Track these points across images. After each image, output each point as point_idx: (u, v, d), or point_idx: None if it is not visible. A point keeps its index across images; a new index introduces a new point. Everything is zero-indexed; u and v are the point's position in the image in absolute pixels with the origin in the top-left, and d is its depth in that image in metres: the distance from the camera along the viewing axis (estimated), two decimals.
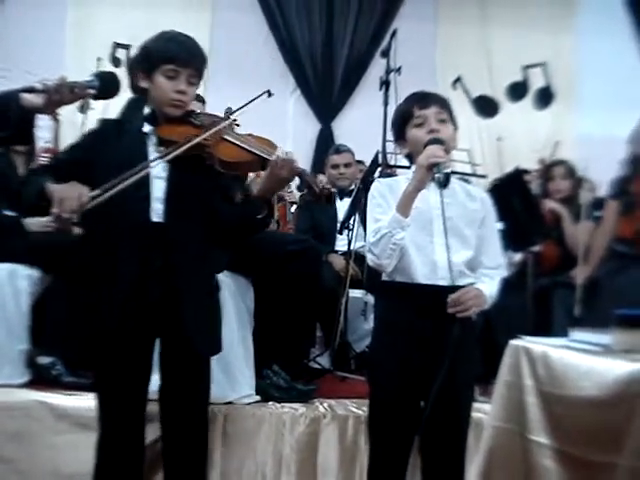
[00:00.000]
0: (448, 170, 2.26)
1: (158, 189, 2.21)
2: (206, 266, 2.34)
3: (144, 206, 2.19)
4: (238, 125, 2.39)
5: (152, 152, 2.25)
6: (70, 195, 1.99)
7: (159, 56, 2.24)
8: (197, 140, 2.20)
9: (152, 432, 2.40)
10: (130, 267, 2.17)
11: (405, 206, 2.13)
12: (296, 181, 2.35)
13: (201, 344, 2.25)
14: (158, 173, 2.22)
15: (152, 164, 2.16)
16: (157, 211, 2.20)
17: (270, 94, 2.40)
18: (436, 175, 2.08)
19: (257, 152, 2.26)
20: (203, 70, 2.32)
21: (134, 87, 2.33)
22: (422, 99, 2.28)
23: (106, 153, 2.22)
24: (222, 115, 2.40)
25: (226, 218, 2.31)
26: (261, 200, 2.28)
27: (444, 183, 2.10)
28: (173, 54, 2.24)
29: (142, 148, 2.25)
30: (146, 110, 2.32)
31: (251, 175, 3.62)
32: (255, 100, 2.42)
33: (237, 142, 2.29)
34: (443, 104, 2.28)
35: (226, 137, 2.30)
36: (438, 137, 2.17)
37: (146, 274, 2.18)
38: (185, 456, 2.29)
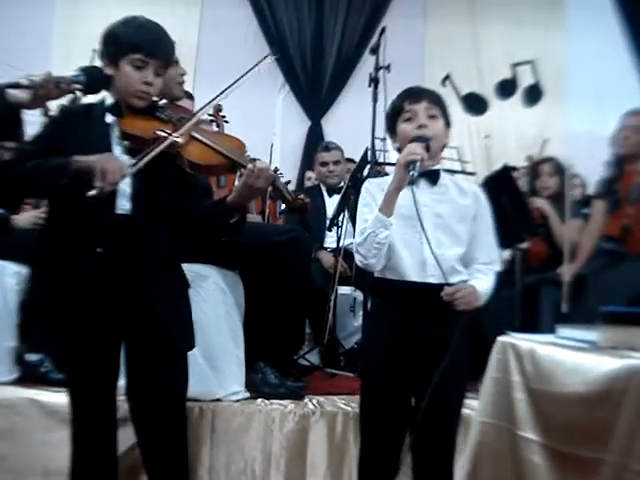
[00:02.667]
0: (438, 167, 2.28)
1: (125, 183, 2.12)
2: (173, 261, 2.29)
3: (110, 200, 2.11)
4: (227, 122, 2.34)
5: (115, 145, 2.18)
6: (113, 167, 2.01)
7: (127, 44, 2.17)
8: (167, 143, 2.12)
9: (128, 438, 2.36)
10: (93, 261, 2.10)
11: (387, 205, 2.13)
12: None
13: (172, 337, 2.18)
14: None
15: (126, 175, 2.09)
16: (122, 205, 2.14)
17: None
18: (410, 172, 2.08)
19: (229, 156, 2.19)
20: (171, 60, 2.27)
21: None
22: (413, 94, 2.28)
23: (72, 143, 2.14)
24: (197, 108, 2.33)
25: (196, 214, 2.24)
26: (234, 206, 2.19)
27: (414, 181, 2.08)
28: (142, 43, 2.16)
29: (105, 141, 2.17)
30: (109, 100, 2.23)
31: None
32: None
33: (208, 142, 2.21)
34: (435, 100, 2.28)
35: (196, 135, 2.22)
36: (421, 135, 2.18)
37: (110, 268, 2.11)
38: (163, 454, 2.23)
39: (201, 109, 2.30)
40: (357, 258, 2.21)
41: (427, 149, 2.14)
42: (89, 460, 2.22)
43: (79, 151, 2.09)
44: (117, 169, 2.02)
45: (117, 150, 2.17)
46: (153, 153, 2.11)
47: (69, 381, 2.26)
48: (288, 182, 4.33)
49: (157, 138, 2.15)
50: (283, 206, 4.80)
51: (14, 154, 2.21)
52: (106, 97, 2.25)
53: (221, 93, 2.29)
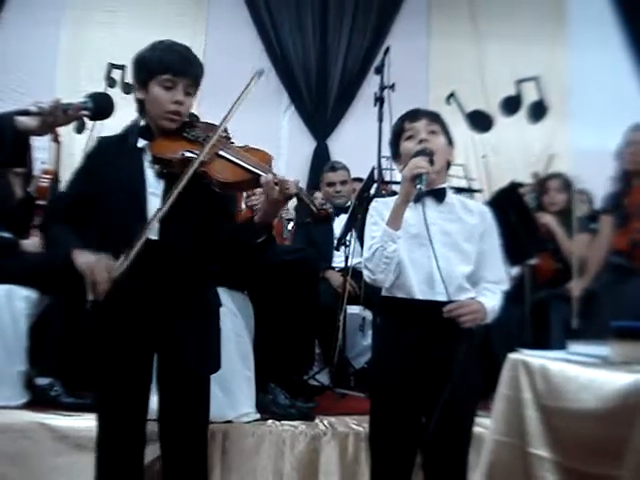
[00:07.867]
0: (444, 185, 2.29)
1: (153, 207, 2.14)
2: (203, 283, 2.29)
3: (140, 224, 2.12)
4: (232, 143, 2.31)
5: (147, 169, 2.19)
6: (101, 277, 2.02)
7: (155, 65, 2.19)
8: (194, 167, 2.12)
9: (151, 452, 2.38)
10: (125, 285, 2.11)
11: (394, 219, 2.13)
12: (294, 201, 2.29)
13: (196, 362, 2.21)
14: (154, 190, 2.17)
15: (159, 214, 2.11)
16: (152, 229, 2.13)
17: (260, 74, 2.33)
18: (417, 186, 2.08)
19: (254, 170, 2.17)
20: (200, 80, 2.27)
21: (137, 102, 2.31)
22: (412, 113, 2.32)
23: (106, 175, 2.18)
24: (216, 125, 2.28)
25: (224, 236, 2.26)
26: (260, 224, 2.19)
27: (423, 195, 2.10)
28: (169, 63, 2.18)
29: (138, 166, 2.19)
30: (141, 123, 2.26)
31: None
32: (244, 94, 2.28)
33: (233, 159, 2.19)
34: (433, 117, 2.31)
35: (221, 153, 2.20)
36: (424, 148, 2.19)
37: (141, 292, 2.15)
38: (184, 476, 2.26)
39: (220, 125, 2.25)
40: (365, 274, 2.21)
41: (431, 162, 2.15)
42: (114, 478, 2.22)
43: (114, 181, 2.15)
44: (104, 278, 2.03)
45: (150, 174, 2.19)
46: (183, 182, 2.11)
47: (100, 399, 2.27)
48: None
49: (185, 160, 2.15)
50: (290, 226, 4.83)
51: (54, 202, 2.29)
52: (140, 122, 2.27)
53: (237, 100, 2.28)
